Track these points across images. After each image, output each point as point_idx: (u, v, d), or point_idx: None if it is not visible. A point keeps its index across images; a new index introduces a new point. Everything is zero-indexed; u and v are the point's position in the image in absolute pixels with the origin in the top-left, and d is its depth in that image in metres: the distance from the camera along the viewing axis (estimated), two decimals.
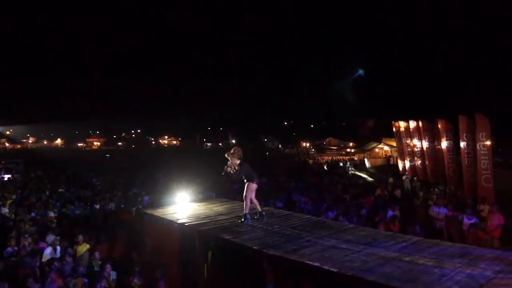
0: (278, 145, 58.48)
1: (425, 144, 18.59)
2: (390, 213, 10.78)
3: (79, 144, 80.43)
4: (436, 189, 14.17)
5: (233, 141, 67.60)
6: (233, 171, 6.99)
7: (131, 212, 11.36)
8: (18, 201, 13.62)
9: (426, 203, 11.67)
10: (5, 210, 11.77)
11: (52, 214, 11.52)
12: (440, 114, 18.54)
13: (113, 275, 7.17)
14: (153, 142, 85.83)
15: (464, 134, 14.80)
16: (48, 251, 8.05)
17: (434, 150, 18.25)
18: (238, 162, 6.96)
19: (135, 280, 6.85)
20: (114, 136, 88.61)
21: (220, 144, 72.22)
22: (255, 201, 7.06)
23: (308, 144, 55.00)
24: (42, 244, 8.46)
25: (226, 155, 7.06)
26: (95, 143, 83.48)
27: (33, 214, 11.25)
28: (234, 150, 7.05)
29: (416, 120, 19.60)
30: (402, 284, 3.83)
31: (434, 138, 18.15)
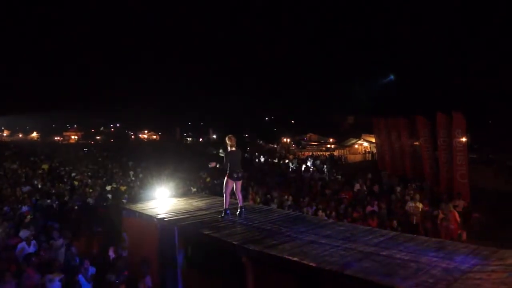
0: (258, 141, 58.44)
1: (403, 141, 18.91)
2: (368, 208, 10.96)
3: (55, 138, 78.46)
4: (413, 185, 14.44)
5: (214, 136, 67.30)
6: (218, 165, 7.03)
7: (109, 207, 11.19)
8: None
9: (403, 199, 11.89)
10: None
11: (26, 208, 11.22)
12: (418, 111, 18.89)
13: (91, 270, 7.04)
14: (133, 137, 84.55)
15: (441, 131, 15.12)
16: (22, 245, 7.85)
17: (412, 146, 18.59)
18: (228, 149, 6.90)
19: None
20: (93, 130, 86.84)
21: (200, 139, 71.76)
22: (239, 195, 7.03)
23: (288, 140, 55.21)
24: (16, 239, 8.24)
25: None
26: (72, 137, 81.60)
27: (7, 209, 10.94)
28: (226, 138, 7.00)
29: (395, 116, 19.92)
30: (380, 278, 3.88)
31: (412, 135, 18.47)
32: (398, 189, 13.56)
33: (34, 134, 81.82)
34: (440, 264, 4.22)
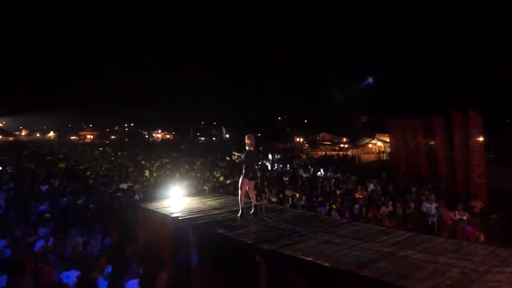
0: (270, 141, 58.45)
1: (418, 140, 18.67)
2: (383, 208, 10.86)
3: (72, 137, 79.71)
4: (429, 185, 14.25)
5: (227, 135, 67.49)
6: (238, 160, 7.04)
7: (124, 206, 11.31)
8: (11, 193, 13.50)
9: (419, 199, 11.74)
10: None
11: (44, 207, 11.43)
12: (434, 110, 18.65)
13: (108, 268, 7.12)
14: (147, 136, 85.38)
15: (457, 131, 14.89)
16: (41, 243, 7.99)
17: (427, 146, 18.35)
18: (247, 148, 6.94)
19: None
20: (107, 130, 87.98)
21: (213, 138, 72.06)
22: (252, 195, 7.05)
23: (301, 139, 54.99)
24: (34, 237, 8.39)
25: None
26: (88, 136, 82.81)
27: (26, 207, 11.16)
28: (246, 137, 7.02)
29: (410, 116, 19.68)
30: (395, 279, 3.84)
31: (428, 134, 18.24)
32: (414, 189, 13.39)
33: (51, 134, 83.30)
34: (458, 266, 4.15)
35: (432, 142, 17.80)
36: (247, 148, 6.95)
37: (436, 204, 10.16)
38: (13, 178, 17.78)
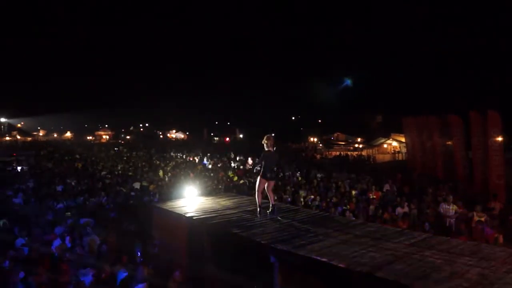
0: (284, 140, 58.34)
1: (435, 140, 18.39)
2: (398, 209, 10.73)
3: (88, 137, 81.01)
4: (446, 186, 14.02)
5: (241, 135, 67.61)
6: (255, 165, 7.04)
7: (139, 205, 11.43)
8: (29, 193, 13.78)
9: (436, 200, 11.56)
10: (18, 201, 11.93)
11: (61, 205, 11.64)
12: (451, 109, 18.35)
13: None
14: (161, 136, 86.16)
15: (475, 130, 14.61)
16: (58, 242, 8.14)
17: (444, 146, 18.06)
18: (265, 149, 6.95)
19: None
20: (123, 130, 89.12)
21: (227, 139, 72.29)
22: (270, 194, 7.06)
23: (315, 139, 54.74)
24: (52, 235, 8.55)
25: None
26: (104, 136, 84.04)
27: (44, 206, 11.37)
28: (265, 138, 7.02)
29: (426, 115, 19.40)
30: (412, 281, 3.79)
31: (444, 134, 17.95)
32: (430, 190, 13.19)
33: (68, 134, 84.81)
34: (476, 268, 4.08)
35: (449, 142, 17.50)
36: (265, 148, 6.95)
37: (454, 205, 9.98)
38: (31, 177, 18.15)
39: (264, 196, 7.18)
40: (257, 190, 7.04)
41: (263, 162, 6.90)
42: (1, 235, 8.39)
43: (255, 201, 7.17)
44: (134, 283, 6.45)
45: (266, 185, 6.98)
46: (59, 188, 14.84)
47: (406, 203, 11.11)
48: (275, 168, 7.09)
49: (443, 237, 5.78)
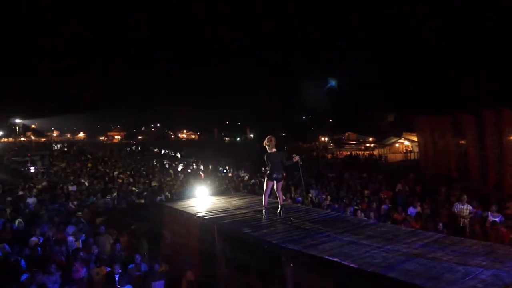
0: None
1: (448, 139, 18.16)
2: (411, 209, 10.61)
3: (100, 138, 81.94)
4: (459, 185, 13.83)
5: (251, 135, 67.67)
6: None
7: (150, 205, 11.52)
8: (43, 192, 13.99)
9: (449, 200, 11.41)
10: (32, 200, 12.11)
11: (74, 205, 11.79)
12: (464, 108, 18.08)
13: (143, 267, 7.25)
14: (172, 136, 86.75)
15: (489, 129, 14.39)
16: (71, 240, 8.24)
17: (457, 145, 17.82)
18: (268, 151, 6.90)
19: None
20: (134, 130, 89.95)
21: (238, 138, 72.43)
22: (280, 195, 7.04)
23: (326, 139, 54.52)
24: (64, 234, 8.65)
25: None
26: (116, 136, 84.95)
27: (56, 205, 11.54)
28: (266, 140, 6.99)
29: (439, 114, 19.17)
30: (424, 281, 3.75)
31: (458, 133, 17.70)
32: (443, 189, 13.02)
33: (81, 134, 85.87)
34: (490, 269, 4.01)
35: (462, 141, 17.27)
36: (268, 150, 6.89)
37: (469, 205, 9.83)
38: (45, 177, 18.44)
39: (274, 196, 7.17)
40: (264, 192, 7.02)
41: (268, 165, 6.86)
42: (17, 234, 8.54)
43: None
44: (152, 279, 6.52)
45: (274, 186, 6.95)
46: (72, 188, 15.03)
47: (418, 203, 10.99)
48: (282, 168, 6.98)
49: (457, 237, 5.70)
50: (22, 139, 67.11)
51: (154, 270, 6.79)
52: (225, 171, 23.15)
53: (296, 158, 7.03)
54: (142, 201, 12.65)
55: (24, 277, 6.17)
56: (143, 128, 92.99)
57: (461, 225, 9.56)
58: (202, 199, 8.89)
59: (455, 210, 9.92)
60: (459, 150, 17.60)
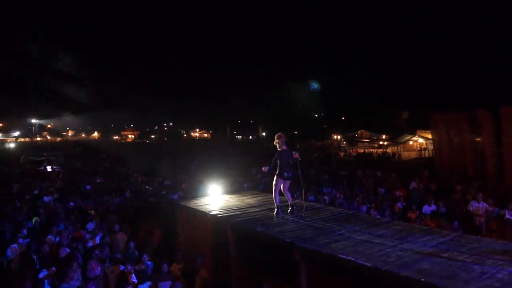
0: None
1: (463, 137, 17.86)
2: (426, 207, 10.49)
3: (114, 137, 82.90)
4: (475, 183, 13.59)
5: (263, 134, 67.62)
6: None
7: (164, 203, 11.61)
8: (59, 191, 14.23)
9: (465, 198, 11.24)
10: (48, 199, 12.34)
11: (90, 204, 11.96)
12: (480, 105, 17.78)
13: (150, 265, 7.33)
14: (185, 135, 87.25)
15: (507, 126, 14.11)
16: (87, 238, 8.37)
17: (473, 142, 17.51)
18: (278, 148, 6.85)
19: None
20: (147, 129, 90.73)
21: (250, 137, 72.50)
22: (287, 194, 7.01)
23: (339, 137, 54.18)
24: (82, 232, 8.80)
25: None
26: (129, 136, 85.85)
27: (72, 204, 11.73)
28: (276, 137, 6.94)
29: (455, 111, 18.86)
30: (440, 280, 3.71)
31: (474, 130, 17.39)
32: (459, 187, 12.82)
33: (95, 134, 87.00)
34: (507, 268, 3.95)
35: (478, 139, 16.95)
36: (278, 148, 6.84)
37: (485, 204, 9.67)
38: (61, 176, 18.74)
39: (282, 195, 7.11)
40: (274, 190, 6.94)
41: (278, 162, 6.78)
42: (33, 232, 8.71)
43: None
44: (159, 279, 6.58)
45: (282, 185, 6.90)
46: (87, 186, 15.26)
47: (433, 201, 10.85)
48: (292, 166, 6.91)
49: (473, 236, 5.62)
50: (38, 138, 68.34)
51: (161, 270, 6.82)
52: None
53: (296, 155, 6.87)
54: (156, 199, 12.76)
55: (42, 274, 6.29)
56: (156, 127, 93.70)
57: (477, 223, 9.42)
58: (215, 198, 8.92)
59: (471, 208, 9.77)
60: (475, 147, 17.28)
